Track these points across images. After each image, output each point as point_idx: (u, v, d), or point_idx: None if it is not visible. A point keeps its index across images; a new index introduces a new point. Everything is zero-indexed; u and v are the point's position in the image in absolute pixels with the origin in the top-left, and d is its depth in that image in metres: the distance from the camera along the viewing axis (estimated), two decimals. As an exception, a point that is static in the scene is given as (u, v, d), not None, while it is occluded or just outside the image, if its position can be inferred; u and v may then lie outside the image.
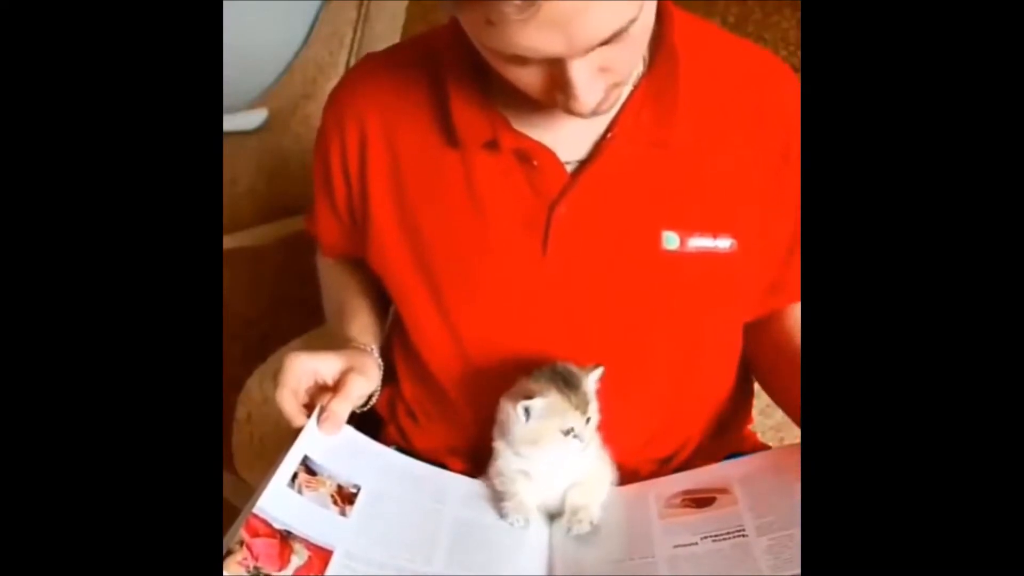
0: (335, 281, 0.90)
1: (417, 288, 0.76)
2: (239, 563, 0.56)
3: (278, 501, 0.61)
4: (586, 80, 0.59)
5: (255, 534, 0.58)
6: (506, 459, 0.70)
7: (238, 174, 1.64)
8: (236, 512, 0.61)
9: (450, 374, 0.77)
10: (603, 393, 0.70)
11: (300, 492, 0.63)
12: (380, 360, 0.79)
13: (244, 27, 1.45)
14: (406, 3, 1.69)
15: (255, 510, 0.59)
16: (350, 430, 0.72)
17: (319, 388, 0.72)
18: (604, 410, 0.70)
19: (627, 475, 0.74)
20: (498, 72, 0.63)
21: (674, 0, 0.73)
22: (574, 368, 0.68)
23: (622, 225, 0.72)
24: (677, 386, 0.77)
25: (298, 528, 0.60)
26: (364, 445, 0.73)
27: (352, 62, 1.67)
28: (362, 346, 0.78)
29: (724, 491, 0.67)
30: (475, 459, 0.76)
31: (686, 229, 0.71)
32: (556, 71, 0.59)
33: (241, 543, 0.57)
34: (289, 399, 0.70)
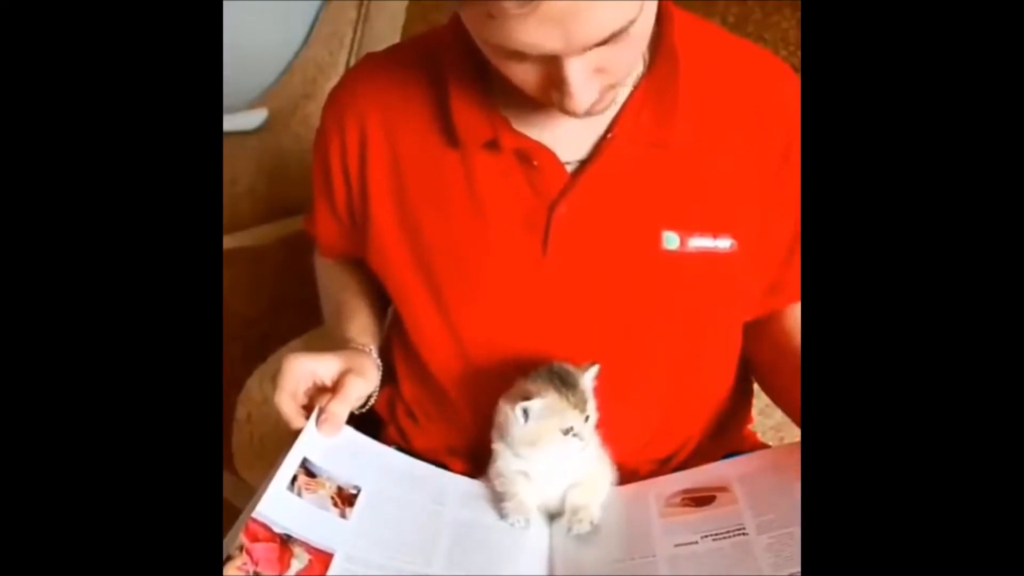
0: (333, 281, 0.90)
1: (417, 288, 0.76)
2: (239, 568, 0.56)
3: (278, 504, 0.61)
4: (582, 79, 0.59)
5: (255, 538, 0.58)
6: (506, 460, 0.70)
7: (238, 174, 1.64)
8: (236, 512, 0.61)
9: (450, 374, 0.77)
10: (603, 393, 0.70)
11: (300, 495, 0.63)
12: (379, 361, 0.79)
13: (244, 27, 1.45)
14: (406, 3, 1.69)
15: (255, 514, 0.59)
16: (349, 431, 0.72)
17: (318, 389, 0.72)
18: (604, 410, 0.70)
19: (627, 475, 0.74)
20: (498, 70, 0.63)
21: (674, 0, 0.73)
22: (571, 367, 0.68)
23: (622, 225, 0.72)
24: (677, 386, 0.77)
25: (298, 531, 0.60)
26: (364, 446, 0.73)
27: (352, 62, 1.67)
28: (360, 346, 0.78)
29: (724, 490, 0.67)
30: (475, 459, 0.76)
31: (686, 229, 0.71)
32: (553, 69, 0.59)
33: (241, 548, 0.57)
34: (287, 401, 0.70)
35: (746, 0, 1.37)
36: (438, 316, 0.76)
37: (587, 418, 0.68)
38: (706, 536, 0.63)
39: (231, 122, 1.63)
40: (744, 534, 0.62)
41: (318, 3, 1.74)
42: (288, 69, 1.72)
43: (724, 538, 0.62)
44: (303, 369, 0.71)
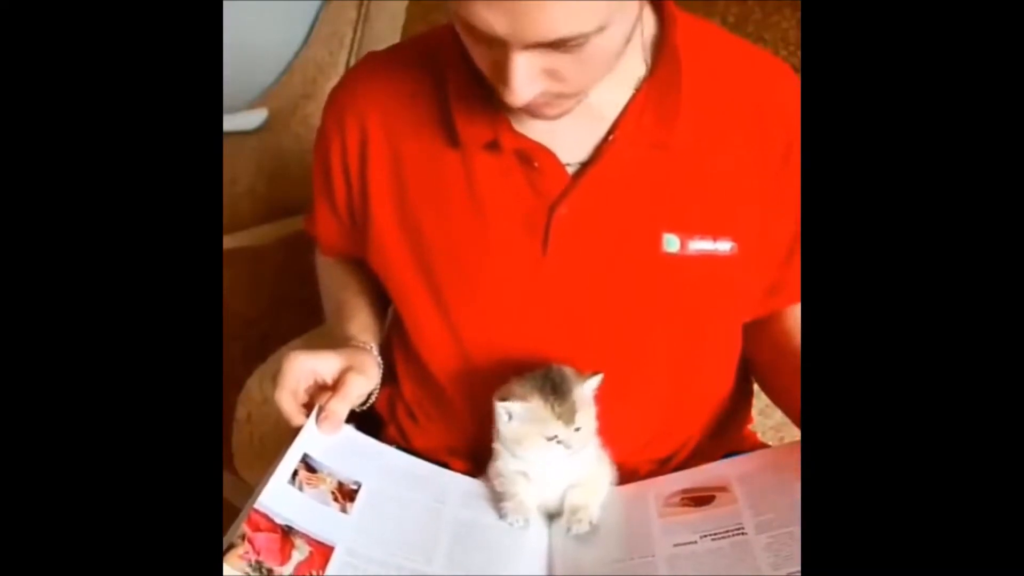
0: (334, 280, 0.90)
1: (417, 288, 0.76)
2: (241, 557, 0.56)
3: (279, 497, 0.61)
4: (523, 75, 0.58)
5: (257, 528, 0.58)
6: (505, 460, 0.70)
7: (238, 174, 1.64)
8: (236, 512, 0.61)
9: (450, 374, 0.77)
10: (603, 394, 0.70)
11: (301, 489, 0.63)
12: (380, 359, 0.79)
13: (244, 27, 1.45)
14: (406, 3, 1.69)
15: (256, 505, 0.59)
16: (350, 429, 0.72)
17: (318, 388, 0.72)
18: (604, 411, 0.70)
19: (627, 475, 0.74)
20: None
21: (674, 0, 0.73)
22: (570, 374, 0.68)
23: (623, 227, 0.72)
24: (677, 387, 0.77)
25: (299, 523, 0.60)
26: (364, 444, 0.73)
27: (352, 62, 1.67)
28: (361, 344, 0.78)
29: (723, 489, 0.67)
30: (475, 459, 0.76)
31: (687, 231, 0.71)
32: (499, 55, 0.58)
33: (243, 537, 0.57)
34: (288, 399, 0.70)
35: (746, 0, 1.37)
36: (438, 316, 0.76)
37: (578, 429, 0.67)
38: (705, 536, 0.63)
39: (231, 122, 1.63)
40: (743, 534, 0.62)
41: (318, 3, 1.74)
42: (288, 69, 1.72)
43: (723, 538, 0.62)
44: (304, 367, 0.71)
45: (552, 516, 0.70)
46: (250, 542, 0.57)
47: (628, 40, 0.63)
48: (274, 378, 0.70)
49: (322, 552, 0.60)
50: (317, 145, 0.82)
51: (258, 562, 0.56)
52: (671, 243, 0.71)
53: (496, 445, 0.71)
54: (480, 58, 0.62)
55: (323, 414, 0.69)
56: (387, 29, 1.67)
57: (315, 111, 1.59)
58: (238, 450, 1.22)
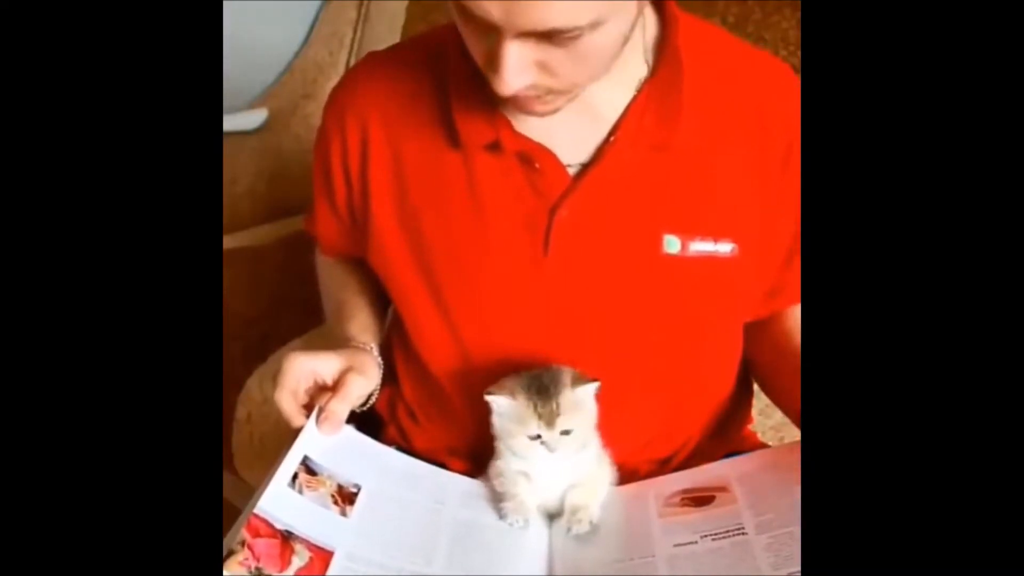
0: (334, 280, 0.90)
1: (417, 288, 0.76)
2: (240, 563, 0.56)
3: (279, 501, 0.61)
4: (514, 64, 0.58)
5: (256, 534, 0.58)
6: (506, 459, 0.70)
7: (238, 174, 1.64)
8: (236, 512, 0.61)
9: (450, 374, 0.77)
10: (603, 395, 0.70)
11: (301, 492, 0.63)
12: (380, 359, 0.79)
13: (244, 27, 1.45)
14: (406, 3, 1.69)
15: (256, 510, 0.59)
16: (350, 430, 0.72)
17: (318, 388, 0.72)
18: (604, 411, 0.70)
19: (627, 475, 0.74)
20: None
21: (674, 0, 0.73)
22: (566, 377, 0.68)
23: (623, 228, 0.72)
24: (677, 388, 0.77)
25: (299, 528, 0.60)
26: (364, 445, 0.73)
27: (352, 62, 1.67)
28: (362, 345, 0.78)
29: (723, 489, 0.67)
30: (475, 459, 0.76)
31: (687, 233, 0.71)
32: (492, 43, 0.58)
33: (242, 543, 0.57)
34: (288, 400, 0.70)
35: (746, 0, 1.37)
36: (438, 316, 0.76)
37: (566, 432, 0.67)
38: (705, 536, 0.63)
39: (231, 122, 1.63)
40: (743, 534, 0.62)
41: (318, 3, 1.73)
42: (288, 69, 1.72)
43: (723, 538, 0.62)
44: (304, 368, 0.71)
45: (552, 516, 0.70)
46: (250, 548, 0.57)
47: (626, 41, 0.63)
48: (274, 378, 0.70)
49: (322, 557, 0.60)
50: (317, 145, 0.82)
51: (258, 568, 0.56)
52: (672, 244, 0.71)
53: (497, 444, 0.71)
54: (474, 46, 0.62)
55: (323, 415, 0.69)
56: (387, 29, 1.67)
57: (315, 111, 1.59)
58: (238, 450, 1.22)
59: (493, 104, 0.70)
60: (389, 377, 0.81)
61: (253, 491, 0.63)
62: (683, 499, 0.68)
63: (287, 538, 0.59)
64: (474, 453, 0.76)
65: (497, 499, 0.70)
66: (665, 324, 0.74)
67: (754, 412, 0.88)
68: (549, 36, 0.56)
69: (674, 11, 0.72)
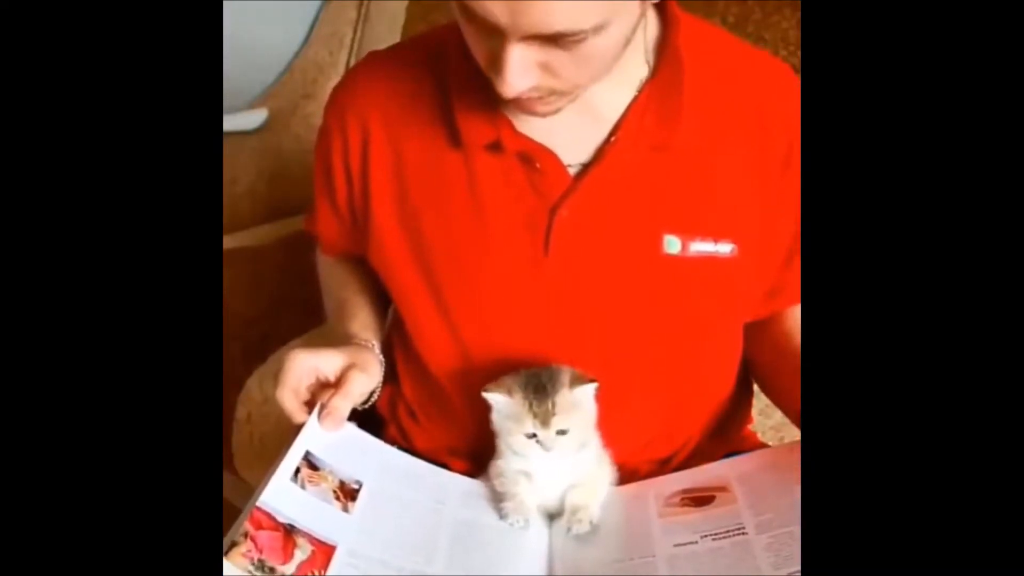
0: (335, 279, 0.90)
1: (418, 288, 0.76)
2: (244, 555, 0.56)
3: (281, 495, 0.61)
4: (518, 66, 0.58)
5: (259, 527, 0.58)
6: (507, 459, 0.70)
7: (238, 174, 1.64)
8: (236, 512, 0.61)
9: (450, 374, 0.77)
10: (603, 395, 0.70)
11: (303, 487, 0.63)
12: (381, 357, 0.79)
13: (244, 27, 1.45)
14: (406, 3, 1.69)
15: (259, 503, 0.59)
16: (351, 427, 0.72)
17: (320, 385, 0.72)
18: (604, 411, 0.70)
19: (627, 475, 0.74)
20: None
21: (674, 0, 0.73)
22: (565, 377, 0.68)
23: (624, 228, 0.72)
24: (677, 388, 0.77)
25: (302, 522, 0.60)
26: (365, 442, 0.73)
27: (352, 62, 1.67)
28: (363, 342, 0.78)
29: (723, 489, 0.67)
30: (475, 459, 0.76)
31: (688, 233, 0.71)
32: (496, 45, 0.58)
33: (245, 535, 0.57)
34: (290, 397, 0.70)
35: (746, 0, 1.37)
36: (438, 316, 0.76)
37: (562, 432, 0.67)
38: (705, 536, 0.63)
39: (231, 122, 1.63)
40: (743, 533, 0.62)
41: (318, 3, 1.73)
42: (288, 69, 1.72)
43: (723, 538, 0.62)
44: (306, 365, 0.70)
45: (552, 516, 0.70)
46: (252, 540, 0.57)
47: (627, 42, 0.63)
48: (276, 376, 0.70)
49: (324, 551, 0.60)
50: (318, 144, 0.82)
51: (260, 560, 0.56)
52: (672, 244, 0.71)
53: (498, 443, 0.71)
54: (477, 47, 0.62)
55: (325, 411, 0.69)
56: (387, 29, 1.67)
57: (315, 111, 1.59)
58: (238, 450, 1.22)
59: (494, 104, 0.70)
60: (389, 376, 0.81)
61: (253, 491, 0.63)
62: (683, 499, 0.68)
63: (289, 532, 0.59)
64: (474, 453, 0.76)
65: (497, 499, 0.70)
66: (665, 324, 0.74)
67: (754, 412, 0.88)
68: (553, 39, 0.56)
69: (675, 12, 0.72)
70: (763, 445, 0.85)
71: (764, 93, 0.73)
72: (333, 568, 0.59)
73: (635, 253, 0.72)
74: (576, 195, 0.71)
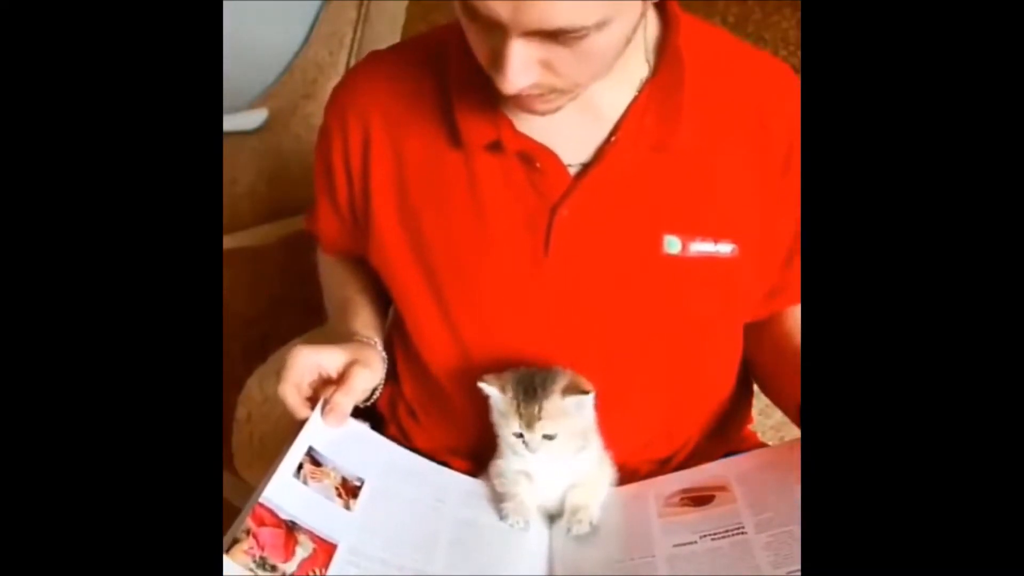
0: (336, 278, 0.90)
1: (418, 287, 0.76)
2: (245, 552, 0.55)
3: (284, 491, 0.61)
4: (519, 62, 0.58)
5: (261, 523, 0.58)
6: (507, 459, 0.70)
7: (238, 174, 1.64)
8: (236, 512, 0.61)
9: (450, 374, 0.77)
10: (603, 395, 0.70)
11: (305, 483, 0.63)
12: (384, 354, 0.79)
13: (244, 27, 1.45)
14: (406, 3, 1.69)
15: (261, 499, 0.59)
16: (354, 422, 0.72)
17: (323, 382, 0.72)
18: (604, 412, 0.71)
19: (627, 475, 0.74)
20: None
21: (675, 0, 0.73)
22: (559, 383, 0.67)
23: (624, 228, 0.72)
24: (677, 388, 0.77)
25: (303, 519, 0.60)
26: (368, 438, 0.73)
27: (352, 62, 1.67)
28: (366, 339, 0.78)
29: (723, 489, 0.67)
30: (476, 459, 0.76)
31: (688, 233, 0.72)
32: (497, 41, 0.58)
33: (247, 532, 0.57)
34: (292, 392, 0.69)
35: (746, 0, 1.37)
36: (439, 316, 0.76)
37: (548, 437, 0.67)
38: (705, 536, 0.63)
39: (231, 122, 1.63)
40: (743, 533, 0.62)
41: (318, 3, 1.73)
42: (288, 69, 1.72)
43: (723, 537, 0.62)
44: (308, 361, 0.70)
45: (552, 517, 0.70)
46: (255, 537, 0.57)
47: (628, 41, 0.63)
48: (277, 375, 0.70)
49: (325, 549, 0.60)
50: (319, 144, 0.82)
51: (262, 558, 0.56)
52: (672, 245, 0.71)
53: (500, 442, 0.71)
54: (478, 45, 0.62)
55: (328, 406, 0.69)
56: (387, 29, 1.67)
57: (315, 111, 1.59)
58: (238, 450, 1.22)
59: (494, 104, 0.71)
60: (390, 376, 0.81)
61: (253, 491, 0.63)
62: (683, 499, 0.68)
63: (291, 529, 0.59)
64: (474, 452, 0.76)
65: (497, 499, 0.70)
66: (665, 324, 0.74)
67: (754, 412, 0.88)
68: (555, 35, 0.56)
69: (676, 11, 0.72)
70: (763, 445, 0.85)
71: (764, 93, 0.73)
72: (334, 566, 0.59)
73: (635, 253, 0.72)
74: (576, 195, 0.71)
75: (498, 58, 0.59)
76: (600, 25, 0.57)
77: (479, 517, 0.69)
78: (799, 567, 0.56)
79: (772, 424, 1.05)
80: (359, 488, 0.66)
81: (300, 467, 0.64)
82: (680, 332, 0.75)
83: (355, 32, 1.69)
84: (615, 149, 0.70)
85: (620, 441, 0.74)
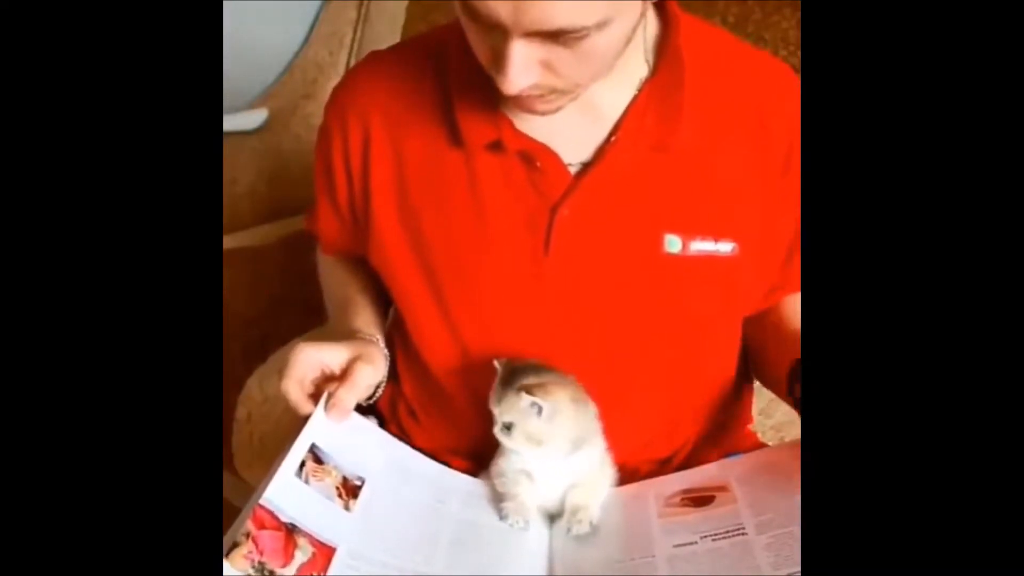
0: (336, 278, 0.90)
1: (418, 287, 0.76)
2: (244, 556, 0.55)
3: (285, 491, 0.61)
4: (520, 63, 0.58)
5: (261, 526, 0.58)
6: (508, 458, 0.70)
7: (238, 174, 1.64)
8: (236, 512, 0.61)
9: (450, 373, 0.77)
10: (604, 394, 0.70)
11: (307, 482, 0.63)
12: (386, 351, 0.79)
13: (244, 27, 1.45)
14: (406, 3, 1.69)
15: (262, 500, 0.59)
16: (358, 417, 0.72)
17: (326, 379, 0.71)
18: (604, 411, 0.71)
19: (627, 475, 0.74)
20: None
21: (674, 0, 0.73)
22: (529, 378, 0.67)
23: (624, 228, 0.72)
24: (678, 387, 0.77)
25: (303, 522, 0.60)
26: (370, 433, 0.73)
27: (352, 62, 1.67)
28: (368, 337, 0.78)
29: (723, 489, 0.67)
30: (476, 458, 0.76)
31: (688, 232, 0.72)
32: (498, 42, 0.58)
33: (247, 535, 0.57)
34: (295, 388, 0.69)
35: (746, 0, 1.37)
36: (439, 315, 0.76)
37: (506, 427, 0.68)
38: (705, 536, 0.63)
39: (231, 122, 1.63)
40: (743, 534, 0.61)
41: (318, 3, 1.73)
42: (288, 69, 1.72)
43: (723, 538, 0.62)
44: (311, 358, 0.70)
45: (552, 517, 0.70)
46: (254, 541, 0.56)
47: (628, 41, 0.63)
48: (278, 374, 0.70)
49: (324, 553, 0.60)
50: (319, 143, 0.82)
51: (261, 563, 0.56)
52: (673, 244, 0.72)
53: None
54: (479, 46, 0.62)
55: (331, 401, 0.68)
56: (387, 29, 1.67)
57: (315, 111, 1.59)
58: (238, 450, 1.22)
59: (495, 103, 0.71)
60: (390, 375, 0.81)
61: (253, 491, 0.63)
62: (683, 499, 0.68)
63: (291, 531, 0.59)
64: (474, 452, 0.76)
65: (498, 499, 0.70)
66: (665, 323, 0.74)
67: (754, 412, 0.88)
68: (555, 36, 0.56)
69: (674, 11, 0.72)
70: (763, 445, 0.85)
71: (764, 92, 0.73)
72: (333, 570, 0.59)
73: (636, 252, 0.72)
74: (577, 194, 0.71)
75: (499, 59, 0.59)
76: (601, 25, 0.57)
77: (479, 517, 0.69)
78: (800, 569, 0.56)
79: (772, 424, 1.05)
80: (359, 488, 0.66)
81: (302, 465, 0.64)
82: (680, 331, 0.75)
83: (355, 32, 1.69)
84: (615, 149, 0.70)
85: (620, 440, 0.74)
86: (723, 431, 0.82)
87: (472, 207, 0.73)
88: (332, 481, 0.65)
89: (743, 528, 0.62)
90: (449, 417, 0.80)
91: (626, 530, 0.67)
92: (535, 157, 0.71)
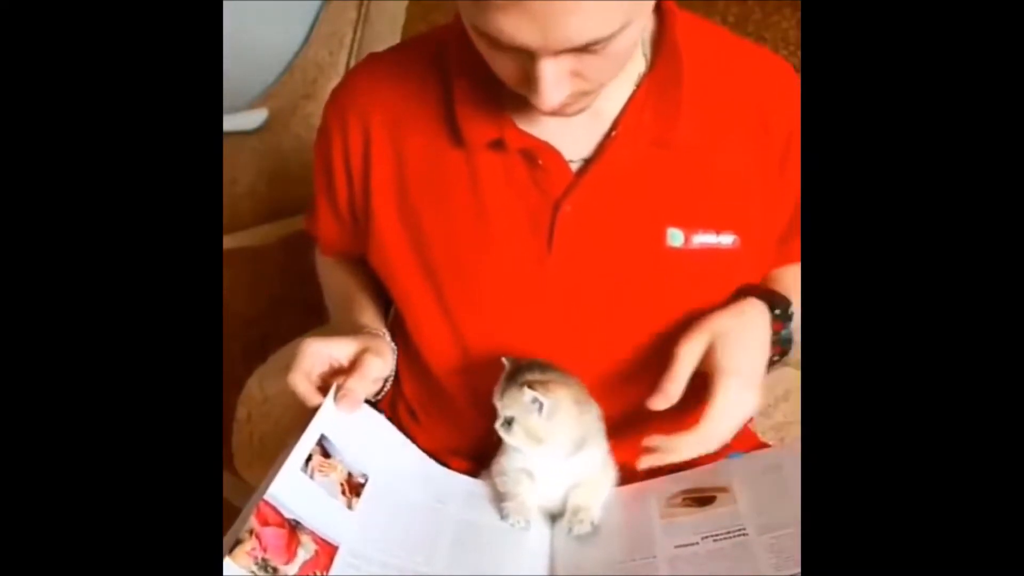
0: (337, 278, 0.90)
1: (419, 287, 0.76)
2: (248, 553, 0.55)
3: (290, 486, 0.61)
4: (553, 80, 0.59)
5: (265, 522, 0.58)
6: (509, 457, 0.70)
7: (238, 174, 1.64)
8: (236, 512, 0.61)
9: (451, 373, 0.77)
10: (605, 392, 0.70)
11: (312, 477, 0.63)
12: (394, 345, 0.78)
13: (244, 27, 1.45)
14: (406, 3, 1.69)
15: (267, 496, 0.59)
16: (367, 409, 0.72)
17: (333, 373, 0.71)
18: (607, 409, 0.70)
19: (628, 475, 0.74)
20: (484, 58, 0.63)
21: (675, 0, 0.73)
22: (534, 375, 0.67)
23: (627, 223, 0.72)
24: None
25: (307, 519, 0.60)
26: (378, 427, 0.73)
27: (352, 62, 1.67)
28: (375, 331, 0.78)
29: (724, 490, 0.67)
30: (476, 459, 0.76)
31: (690, 226, 0.72)
32: (528, 64, 0.59)
33: (251, 532, 0.56)
34: (303, 381, 0.69)
35: (746, 0, 1.37)
36: (440, 315, 0.76)
37: (507, 422, 0.68)
38: (706, 537, 0.63)
39: (231, 122, 1.63)
40: (744, 534, 0.61)
41: (318, 3, 1.73)
42: (288, 69, 1.72)
43: (724, 539, 0.62)
44: (319, 351, 0.70)
45: (553, 516, 0.70)
46: (258, 537, 0.56)
47: (641, 33, 0.64)
48: (280, 373, 0.70)
49: (327, 551, 0.60)
50: (318, 144, 0.82)
51: (264, 560, 0.56)
52: (675, 237, 0.72)
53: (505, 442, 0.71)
54: (504, 68, 0.62)
55: (341, 392, 0.68)
56: (387, 29, 1.67)
57: (315, 111, 1.59)
58: (238, 450, 1.22)
59: (495, 102, 0.71)
60: (390, 375, 0.81)
61: (253, 491, 0.63)
62: (684, 499, 0.68)
63: (295, 528, 0.59)
64: (475, 452, 0.76)
65: (499, 498, 0.70)
66: (669, 317, 0.74)
67: (754, 412, 0.87)
68: (583, 48, 0.57)
69: (671, 6, 0.72)
70: (763, 445, 0.85)
71: (762, 87, 0.74)
72: (335, 568, 0.59)
73: (639, 247, 0.72)
74: (579, 191, 0.71)
75: (532, 80, 0.59)
76: (623, 28, 0.57)
77: (480, 517, 0.69)
78: (800, 569, 0.55)
79: (772, 424, 1.05)
80: (363, 486, 0.66)
81: (309, 459, 0.64)
82: (683, 325, 0.74)
83: (355, 32, 1.69)
84: (615, 144, 0.71)
85: (622, 438, 0.73)
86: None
87: (473, 206, 0.73)
88: (337, 477, 0.65)
89: (744, 529, 0.62)
90: (450, 417, 0.80)
91: (627, 530, 0.67)
92: (537, 155, 0.71)
